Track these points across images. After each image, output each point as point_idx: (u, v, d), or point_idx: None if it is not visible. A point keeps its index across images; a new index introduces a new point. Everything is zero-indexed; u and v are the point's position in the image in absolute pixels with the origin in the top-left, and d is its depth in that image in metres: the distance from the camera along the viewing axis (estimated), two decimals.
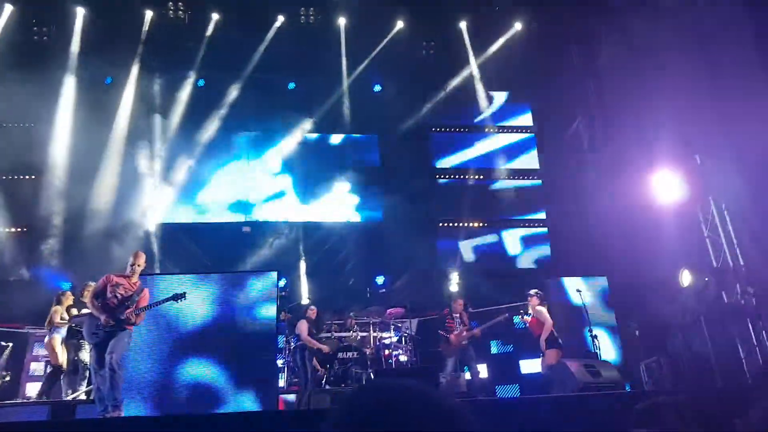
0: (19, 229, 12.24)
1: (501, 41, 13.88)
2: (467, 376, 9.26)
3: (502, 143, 14.60)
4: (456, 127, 14.78)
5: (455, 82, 14.25)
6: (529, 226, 14.12)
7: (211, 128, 13.28)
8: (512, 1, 13.42)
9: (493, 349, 11.19)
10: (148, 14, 12.90)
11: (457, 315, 9.36)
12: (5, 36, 12.26)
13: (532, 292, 9.09)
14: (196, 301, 7.84)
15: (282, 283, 11.10)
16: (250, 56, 13.38)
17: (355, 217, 13.83)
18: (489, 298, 11.39)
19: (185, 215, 13.19)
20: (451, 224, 13.91)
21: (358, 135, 14.36)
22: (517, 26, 13.71)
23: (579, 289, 9.73)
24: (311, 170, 13.78)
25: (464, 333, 9.14)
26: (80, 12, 12.61)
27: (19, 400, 8.54)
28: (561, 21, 13.19)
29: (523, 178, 14.42)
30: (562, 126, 14.15)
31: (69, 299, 8.51)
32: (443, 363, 9.13)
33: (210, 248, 12.58)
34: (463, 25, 13.83)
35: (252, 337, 7.89)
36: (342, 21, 13.47)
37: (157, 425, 5.70)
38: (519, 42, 13.75)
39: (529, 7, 13.47)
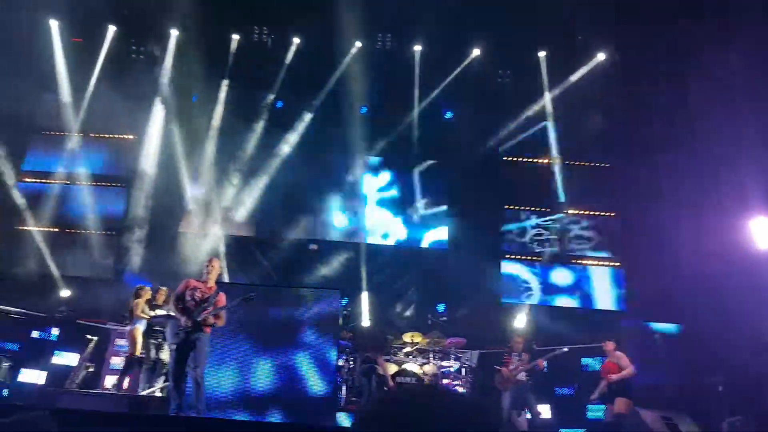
0: (107, 233, 13.21)
1: (582, 72, 13.55)
2: (528, 416, 9.00)
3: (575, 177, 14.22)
4: (528, 157, 14.54)
5: (529, 112, 14.04)
6: (603, 265, 13.65)
7: (285, 148, 13.81)
8: (595, 32, 13.11)
9: (557, 391, 10.78)
10: (235, 38, 13.68)
11: (516, 354, 9.06)
12: (108, 53, 13.42)
13: (609, 338, 8.74)
14: (260, 313, 8.15)
15: (344, 301, 11.31)
16: (327, 80, 13.84)
17: (421, 243, 13.88)
18: (558, 336, 11.03)
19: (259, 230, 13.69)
20: (518, 257, 13.67)
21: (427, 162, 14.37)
22: (600, 57, 13.37)
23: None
24: (382, 195, 14.00)
25: (519, 367, 8.88)
26: (174, 33, 13.61)
27: (99, 391, 9.13)
28: (646, 55, 12.78)
29: (598, 213, 13.99)
30: (641, 161, 13.55)
31: (147, 293, 9.03)
32: (499, 398, 8.91)
33: (276, 262, 13.06)
34: (542, 54, 13.64)
35: (314, 353, 8.09)
36: (417, 48, 13.67)
37: (222, 427, 6.00)
38: (600, 73, 13.40)
39: (613, 39, 13.11)
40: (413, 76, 13.79)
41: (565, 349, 8.98)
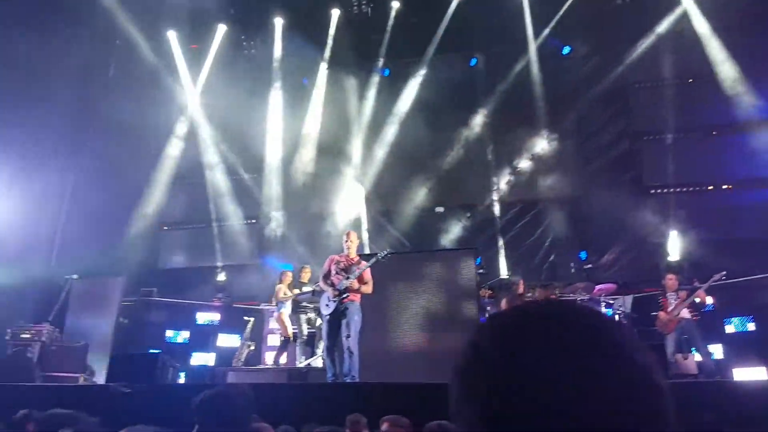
0: (249, 222, 14.10)
1: None
2: (697, 357, 8.22)
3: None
4: (661, 80, 13.00)
5: (657, 30, 12.45)
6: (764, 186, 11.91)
7: (395, 118, 13.70)
8: None
9: (729, 328, 9.70)
10: (335, 13, 13.72)
11: (672, 293, 8.29)
12: (221, 53, 14.13)
13: None
14: (398, 280, 8.22)
15: (479, 260, 11.08)
16: (431, 39, 13.48)
17: (552, 191, 13.14)
18: (722, 269, 9.89)
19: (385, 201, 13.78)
20: (664, 190, 12.42)
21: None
22: None
23: None
24: (501, 145, 13.42)
25: (678, 305, 8.04)
26: (278, 22, 13.95)
27: (261, 366, 9.87)
28: None
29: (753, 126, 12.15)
30: None
31: (289, 278, 9.55)
32: (662, 343, 8.22)
33: (405, 230, 13.12)
34: None
35: (454, 315, 8.01)
36: None
37: (374, 391, 6.14)
38: None
39: None
40: (523, 17, 12.95)
41: (722, 275, 8.00)
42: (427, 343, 7.93)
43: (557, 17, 12.84)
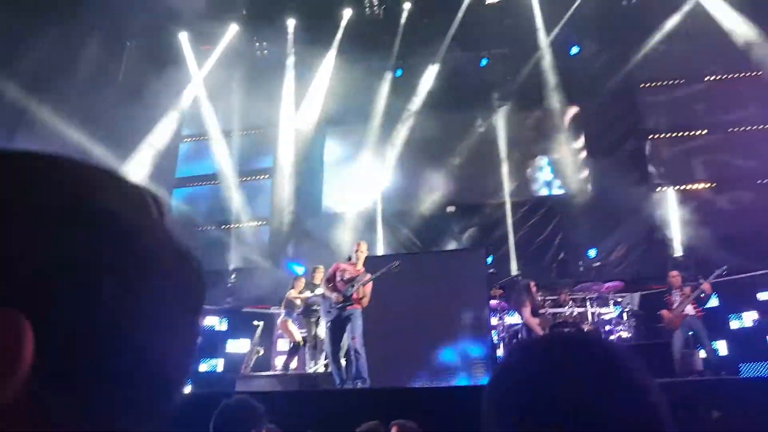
0: (261, 223, 14.12)
1: None
2: (702, 353, 8.24)
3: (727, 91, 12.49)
4: (672, 79, 13.09)
5: (665, 29, 12.56)
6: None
7: (407, 118, 13.76)
8: None
9: (734, 324, 9.69)
10: (347, 13, 13.77)
11: (677, 290, 8.33)
12: (234, 54, 14.15)
13: None
14: (410, 281, 8.25)
15: (490, 260, 11.12)
16: (443, 39, 13.53)
17: (561, 189, 13.17)
18: (727, 264, 9.90)
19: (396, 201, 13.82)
20: (672, 188, 12.42)
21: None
22: None
23: None
24: (510, 144, 13.44)
25: (683, 302, 8.11)
26: (291, 23, 14.01)
27: (270, 372, 9.90)
28: None
29: (758, 127, 12.21)
30: None
31: (301, 284, 9.57)
32: (670, 339, 8.24)
33: (417, 230, 13.16)
34: None
35: (465, 314, 8.06)
36: None
37: (384, 396, 6.20)
38: None
39: None
40: (533, 18, 13.04)
41: (724, 270, 8.13)
42: (438, 345, 7.97)
43: (567, 16, 12.93)
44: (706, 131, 12.59)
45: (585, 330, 8.86)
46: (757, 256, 9.65)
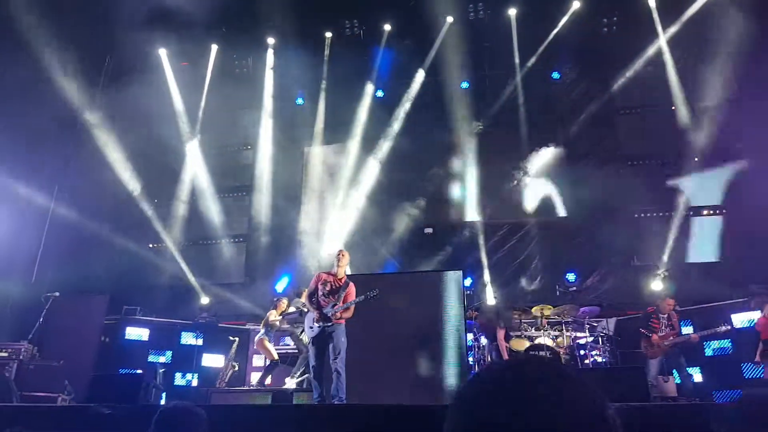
0: (238, 240, 13.99)
1: (696, 7, 12.26)
2: (676, 380, 8.34)
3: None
4: (646, 107, 13.44)
5: (643, 59, 12.95)
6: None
7: (389, 137, 13.85)
8: None
9: (708, 351, 9.85)
10: (328, 35, 13.92)
11: (665, 315, 8.50)
12: (213, 71, 14.18)
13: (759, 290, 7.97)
14: (387, 301, 8.23)
15: (468, 282, 11.17)
16: (423, 61, 13.73)
17: (540, 212, 13.30)
18: (702, 293, 10.12)
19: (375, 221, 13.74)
20: (651, 214, 12.64)
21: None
22: None
23: None
24: (488, 167, 13.59)
25: (671, 338, 8.30)
26: (270, 41, 14.11)
27: (245, 387, 9.77)
28: None
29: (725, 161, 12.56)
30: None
31: (283, 305, 9.61)
32: (646, 365, 8.35)
33: (395, 250, 13.12)
34: None
35: (442, 335, 8.05)
36: (512, 11, 13.14)
37: (359, 413, 6.11)
38: (716, 6, 12.01)
39: None
40: (512, 43, 13.32)
41: (723, 329, 8.21)
42: (414, 365, 7.93)
43: (545, 43, 13.23)
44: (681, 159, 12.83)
45: (545, 356, 8.90)
46: (733, 284, 9.84)
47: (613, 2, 12.87)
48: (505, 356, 8.79)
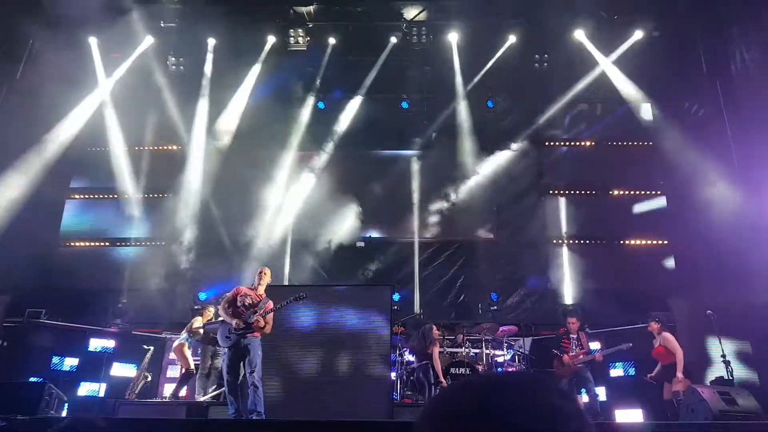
0: (158, 243, 13.29)
1: (622, 49, 13.20)
2: (584, 398, 8.80)
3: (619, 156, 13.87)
4: (571, 140, 14.28)
5: (570, 94, 13.77)
6: (650, 245, 13.22)
7: (328, 148, 13.85)
8: (632, 9, 12.80)
9: (613, 372, 10.49)
10: (270, 40, 13.74)
11: (575, 336, 8.98)
12: (144, 66, 13.57)
13: (653, 317, 8.62)
14: (314, 313, 8.22)
15: (396, 297, 11.27)
16: (365, 78, 13.88)
17: (466, 234, 13.68)
18: (609, 318, 10.78)
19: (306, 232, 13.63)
20: (565, 241, 13.38)
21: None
22: (638, 34, 13.04)
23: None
24: (423, 185, 13.86)
25: (581, 356, 8.75)
26: (211, 42, 13.75)
27: (157, 400, 9.34)
28: (688, 24, 12.35)
29: (645, 192, 13.57)
30: (690, 136, 13.00)
31: (209, 313, 9.33)
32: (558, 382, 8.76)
33: (325, 262, 13.08)
34: (579, 33, 13.25)
35: (367, 350, 8.09)
36: (454, 37, 13.58)
37: (277, 429, 6.01)
38: (640, 50, 13.06)
39: (651, 14, 12.77)
40: (453, 68, 13.74)
41: (624, 348, 8.73)
42: (338, 379, 7.92)
43: (482, 73, 13.78)
44: (596, 192, 13.71)
45: (520, 372, 9.16)
46: (638, 311, 10.54)
47: (545, 39, 13.56)
48: (440, 373, 8.86)
